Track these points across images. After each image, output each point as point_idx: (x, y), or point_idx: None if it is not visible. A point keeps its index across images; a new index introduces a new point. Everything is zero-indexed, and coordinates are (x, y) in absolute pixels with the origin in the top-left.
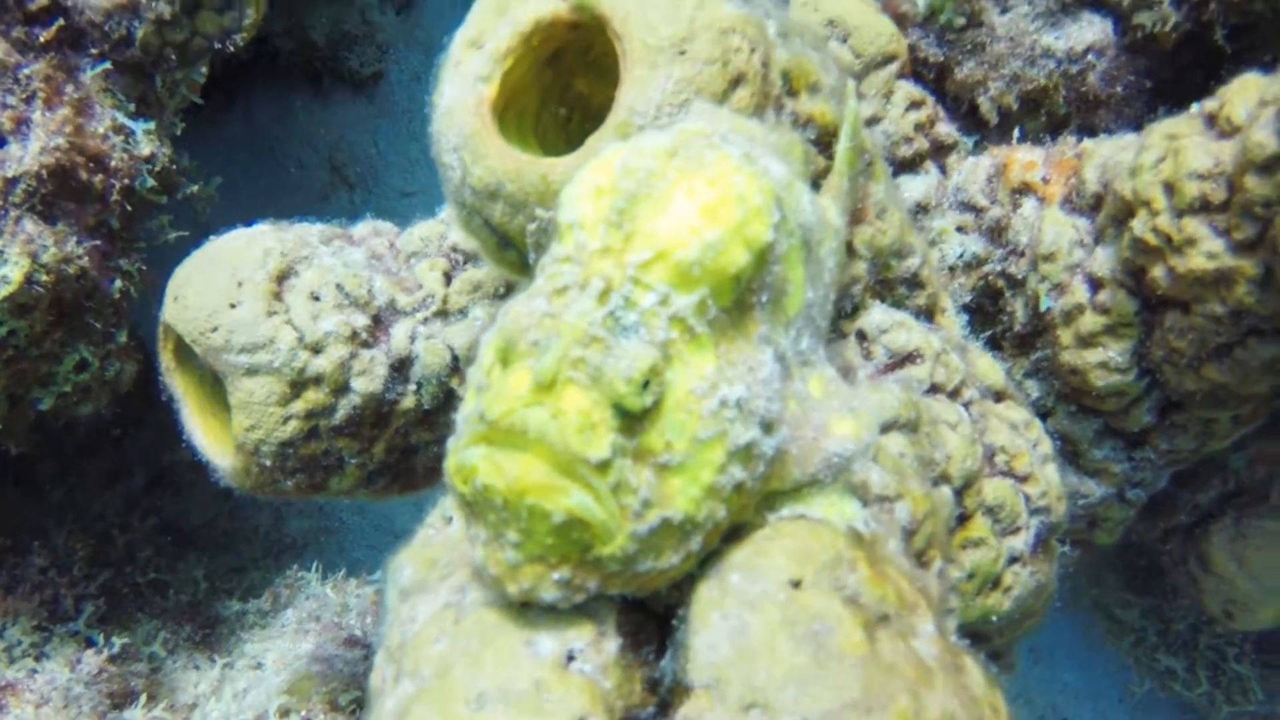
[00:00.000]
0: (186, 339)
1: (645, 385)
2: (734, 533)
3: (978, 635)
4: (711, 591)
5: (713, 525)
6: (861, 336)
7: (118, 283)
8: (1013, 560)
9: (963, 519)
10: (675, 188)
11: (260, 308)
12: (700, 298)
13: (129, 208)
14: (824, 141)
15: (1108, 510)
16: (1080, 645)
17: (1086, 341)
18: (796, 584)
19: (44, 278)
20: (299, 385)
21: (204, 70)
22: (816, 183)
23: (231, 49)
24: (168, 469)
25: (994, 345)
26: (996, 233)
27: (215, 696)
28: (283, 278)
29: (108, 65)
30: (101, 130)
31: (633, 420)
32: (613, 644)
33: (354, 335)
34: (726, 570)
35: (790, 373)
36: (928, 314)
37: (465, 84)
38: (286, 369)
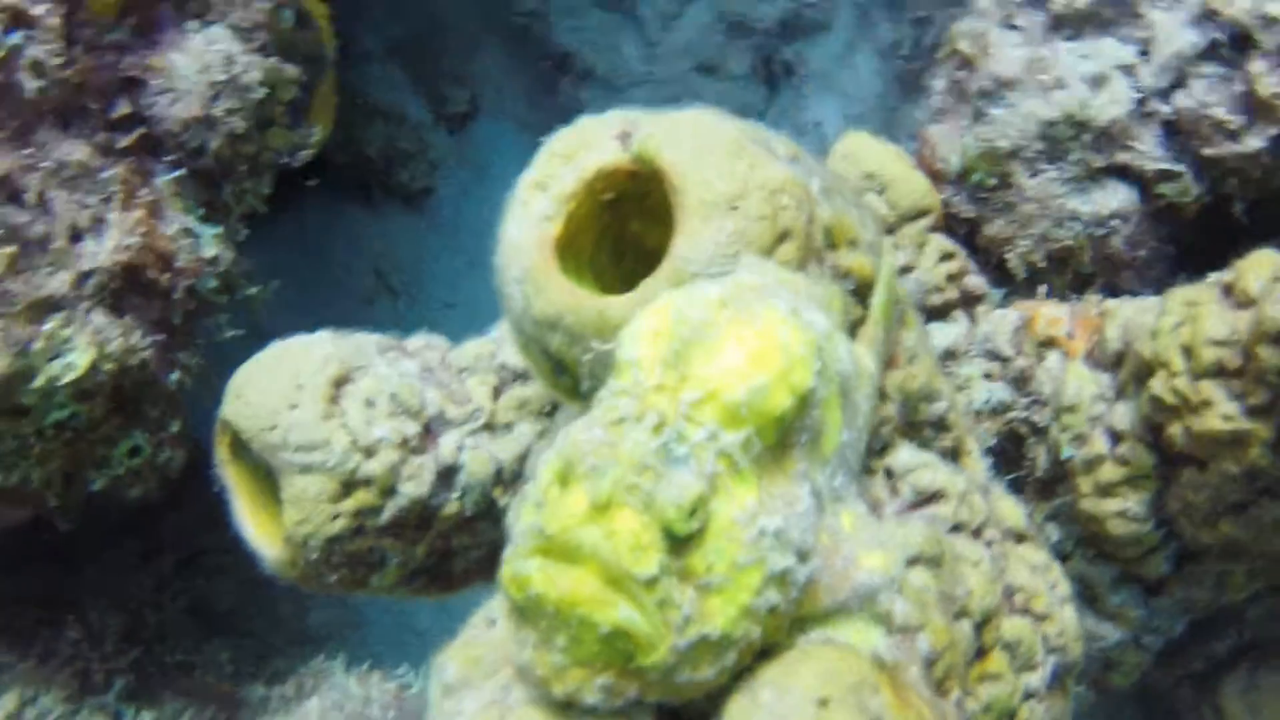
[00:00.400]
0: (244, 435)
1: (693, 512)
2: (766, 652)
3: None
4: (743, 705)
5: (747, 644)
6: (889, 474)
7: (175, 375)
8: (1028, 696)
9: (981, 653)
10: (726, 336)
11: (318, 411)
12: (746, 436)
13: (191, 306)
14: (861, 292)
15: (1123, 654)
16: None
17: (1106, 491)
18: (824, 703)
19: (108, 366)
20: (350, 485)
21: (271, 181)
22: (854, 330)
23: (297, 164)
24: (199, 553)
25: (1016, 488)
26: (1021, 382)
27: None
28: (340, 384)
29: (182, 172)
30: (171, 232)
31: (679, 544)
32: None
33: (405, 442)
34: (758, 686)
35: (824, 507)
36: (953, 455)
37: (531, 222)
38: (339, 469)
